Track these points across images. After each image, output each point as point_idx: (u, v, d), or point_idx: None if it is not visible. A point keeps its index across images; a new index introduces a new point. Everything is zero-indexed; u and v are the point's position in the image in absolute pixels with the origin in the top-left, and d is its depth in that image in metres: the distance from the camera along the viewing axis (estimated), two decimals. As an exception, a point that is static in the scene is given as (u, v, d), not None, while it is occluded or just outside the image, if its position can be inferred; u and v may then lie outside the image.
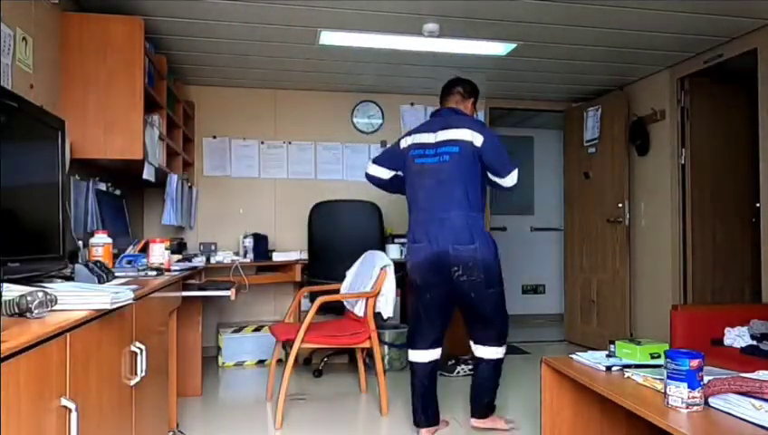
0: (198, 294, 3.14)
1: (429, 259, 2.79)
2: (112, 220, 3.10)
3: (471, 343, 2.95)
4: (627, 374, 1.95)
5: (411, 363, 2.90)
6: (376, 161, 3.10)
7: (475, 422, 2.96)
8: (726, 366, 2.00)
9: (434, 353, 2.88)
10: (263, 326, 4.41)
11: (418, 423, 2.86)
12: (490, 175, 2.85)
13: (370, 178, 3.12)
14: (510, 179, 2.83)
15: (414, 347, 2.89)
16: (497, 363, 2.92)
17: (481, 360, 2.91)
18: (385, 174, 3.06)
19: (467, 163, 2.78)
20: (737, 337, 2.85)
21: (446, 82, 3.09)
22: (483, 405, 2.95)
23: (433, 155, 2.83)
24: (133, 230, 3.69)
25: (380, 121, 5.11)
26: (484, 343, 2.89)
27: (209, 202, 4.79)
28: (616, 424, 2.26)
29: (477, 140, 2.76)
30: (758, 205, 3.70)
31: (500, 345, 2.90)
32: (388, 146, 3.26)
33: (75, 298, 1.30)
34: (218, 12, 3.25)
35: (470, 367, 4.02)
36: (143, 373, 1.71)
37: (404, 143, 2.97)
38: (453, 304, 2.90)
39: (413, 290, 2.94)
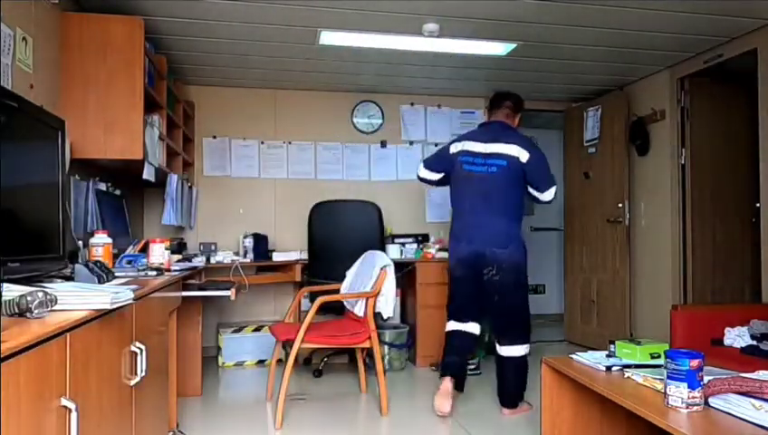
0: (198, 294, 3.14)
1: (467, 257, 3.14)
2: (112, 220, 3.10)
3: (496, 344, 3.19)
4: (627, 374, 1.95)
5: (447, 332, 3.26)
6: (427, 165, 3.44)
7: (507, 412, 3.17)
8: (726, 366, 2.01)
9: (469, 326, 3.23)
10: (263, 326, 4.41)
11: (444, 372, 3.17)
12: (529, 188, 3.17)
13: (421, 180, 3.51)
14: (548, 195, 3.19)
15: (450, 320, 3.27)
16: (524, 359, 3.16)
17: (507, 358, 3.14)
18: (435, 176, 3.42)
19: (512, 176, 3.11)
20: (737, 337, 2.85)
21: (495, 94, 3.41)
22: (514, 397, 3.18)
23: (482, 164, 3.15)
24: (133, 230, 3.69)
25: (380, 121, 5.10)
26: (510, 343, 3.13)
27: (209, 202, 4.79)
28: (616, 424, 2.26)
29: (524, 156, 3.10)
30: (758, 205, 3.70)
31: (525, 343, 3.16)
32: (437, 148, 3.70)
33: (75, 298, 1.30)
34: (218, 12, 3.25)
35: (470, 367, 4.02)
36: (143, 373, 1.71)
37: (453, 148, 3.28)
38: (483, 299, 3.19)
39: (452, 280, 3.30)
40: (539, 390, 2.29)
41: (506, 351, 3.12)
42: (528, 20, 3.40)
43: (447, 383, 3.11)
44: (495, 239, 3.08)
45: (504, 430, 2.99)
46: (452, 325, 3.25)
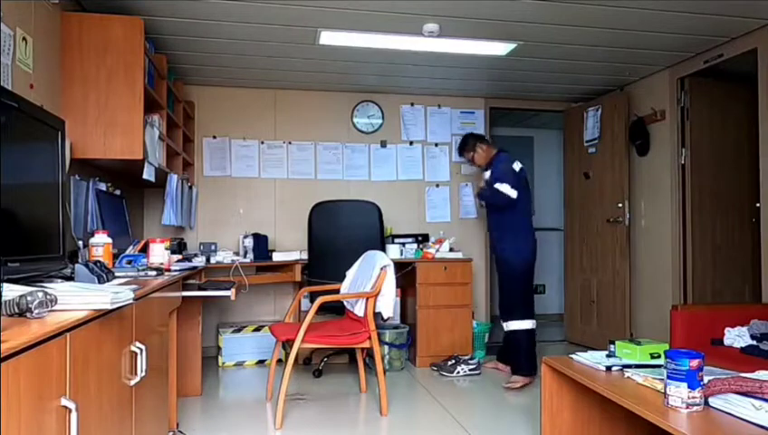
0: (198, 294, 3.14)
1: (535, 250, 3.94)
2: (112, 220, 3.10)
3: (504, 320, 3.95)
4: (627, 374, 1.95)
5: (529, 331, 3.83)
6: (514, 187, 3.81)
7: (502, 366, 4.13)
8: (726, 366, 2.01)
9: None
10: (263, 326, 4.41)
11: (536, 372, 3.73)
12: None
13: (508, 202, 3.86)
14: None
15: (530, 317, 3.85)
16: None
17: (513, 331, 3.90)
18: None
19: None
20: (737, 337, 2.85)
21: (483, 136, 4.41)
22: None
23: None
24: (133, 230, 3.68)
25: (380, 121, 5.10)
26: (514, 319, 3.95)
27: (209, 202, 4.79)
28: (616, 424, 2.26)
29: None
30: (758, 205, 3.70)
31: None
32: (503, 170, 3.94)
33: (75, 298, 1.30)
34: (219, 12, 3.25)
35: (470, 367, 4.03)
36: (143, 373, 1.71)
37: (517, 166, 3.92)
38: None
39: (527, 274, 3.88)
40: (539, 390, 2.29)
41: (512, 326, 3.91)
42: (528, 20, 3.40)
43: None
44: None
45: (503, 429, 2.99)
46: (532, 323, 3.86)
